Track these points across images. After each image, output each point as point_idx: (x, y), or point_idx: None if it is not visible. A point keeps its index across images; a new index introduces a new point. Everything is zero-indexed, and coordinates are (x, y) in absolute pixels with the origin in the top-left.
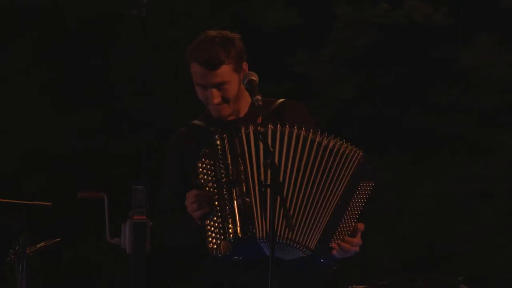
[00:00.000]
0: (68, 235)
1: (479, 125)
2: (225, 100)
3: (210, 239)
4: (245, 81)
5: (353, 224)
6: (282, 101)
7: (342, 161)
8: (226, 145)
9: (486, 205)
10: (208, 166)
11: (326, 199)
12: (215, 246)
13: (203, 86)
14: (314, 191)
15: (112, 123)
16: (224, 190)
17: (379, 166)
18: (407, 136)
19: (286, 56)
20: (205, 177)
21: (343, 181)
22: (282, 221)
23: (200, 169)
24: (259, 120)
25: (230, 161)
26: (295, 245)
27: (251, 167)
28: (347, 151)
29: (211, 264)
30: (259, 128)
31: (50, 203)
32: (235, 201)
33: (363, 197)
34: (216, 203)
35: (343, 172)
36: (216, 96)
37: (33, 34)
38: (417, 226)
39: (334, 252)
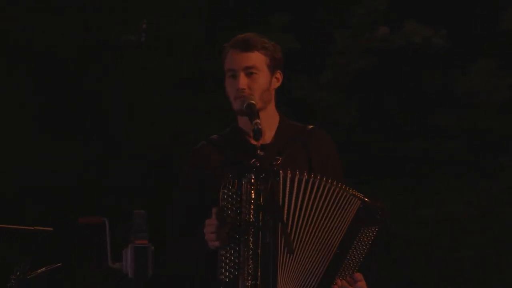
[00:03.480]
0: (69, 260)
1: (478, 148)
2: (250, 90)
3: (222, 270)
4: (244, 105)
5: (352, 273)
6: (312, 129)
7: (341, 206)
8: (261, 187)
9: (485, 228)
10: (234, 196)
11: (323, 246)
12: (226, 280)
13: (234, 71)
14: (311, 238)
15: (110, 151)
16: (250, 230)
17: (377, 193)
18: (406, 160)
19: (284, 80)
20: (228, 205)
21: (342, 227)
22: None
23: (225, 196)
24: (279, 161)
25: (263, 204)
26: None
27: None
28: (346, 195)
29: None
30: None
31: (51, 229)
32: (260, 247)
33: (365, 243)
34: (237, 236)
35: (341, 217)
36: (243, 81)
37: (25, 64)
38: (416, 251)
39: None
